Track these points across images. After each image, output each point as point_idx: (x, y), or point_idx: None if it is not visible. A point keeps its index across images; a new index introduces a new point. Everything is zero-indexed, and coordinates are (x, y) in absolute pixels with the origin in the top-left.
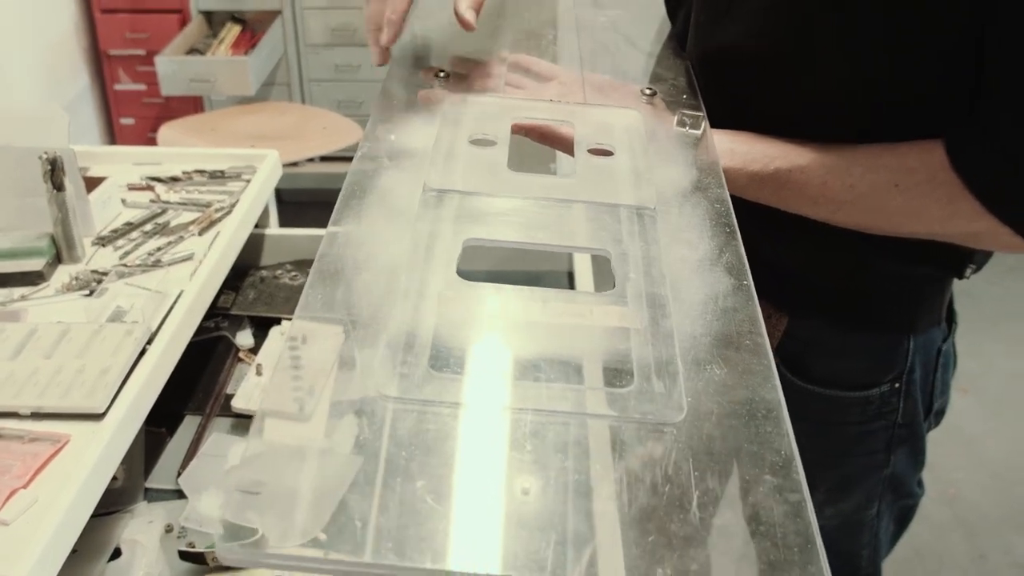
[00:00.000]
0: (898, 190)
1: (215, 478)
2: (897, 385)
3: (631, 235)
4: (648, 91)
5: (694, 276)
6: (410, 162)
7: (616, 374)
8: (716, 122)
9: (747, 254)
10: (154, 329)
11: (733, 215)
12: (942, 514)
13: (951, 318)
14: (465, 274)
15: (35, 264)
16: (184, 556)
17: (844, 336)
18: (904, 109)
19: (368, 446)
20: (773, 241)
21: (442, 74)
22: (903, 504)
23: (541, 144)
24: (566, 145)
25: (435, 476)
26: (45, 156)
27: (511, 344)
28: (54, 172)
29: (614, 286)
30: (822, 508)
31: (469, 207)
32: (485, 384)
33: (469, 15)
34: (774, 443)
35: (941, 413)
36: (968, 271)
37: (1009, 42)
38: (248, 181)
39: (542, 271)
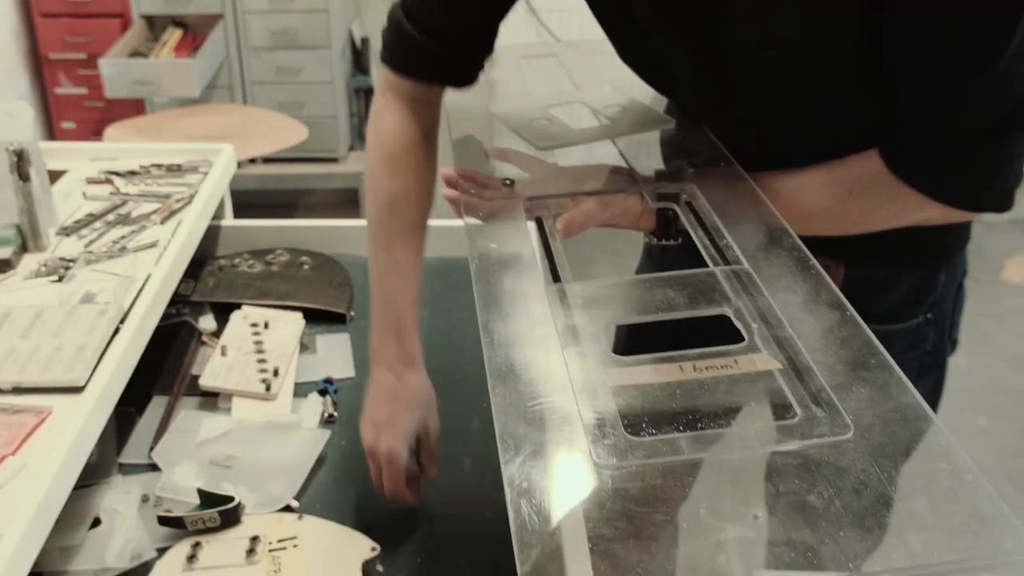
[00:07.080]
0: (853, 197)
1: (188, 451)
2: (930, 315)
3: (736, 292)
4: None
5: (806, 316)
6: (520, 263)
7: (778, 409)
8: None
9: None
10: (125, 310)
11: (813, 258)
12: None
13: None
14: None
15: (2, 252)
16: (163, 521)
17: (893, 273)
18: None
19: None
20: None
21: (508, 182)
22: None
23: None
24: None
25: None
26: (11, 148)
27: (684, 404)
28: (20, 164)
29: (744, 339)
30: None
31: (585, 293)
32: (678, 442)
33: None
34: (936, 438)
35: (955, 342)
36: None
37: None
38: (205, 174)
39: None
